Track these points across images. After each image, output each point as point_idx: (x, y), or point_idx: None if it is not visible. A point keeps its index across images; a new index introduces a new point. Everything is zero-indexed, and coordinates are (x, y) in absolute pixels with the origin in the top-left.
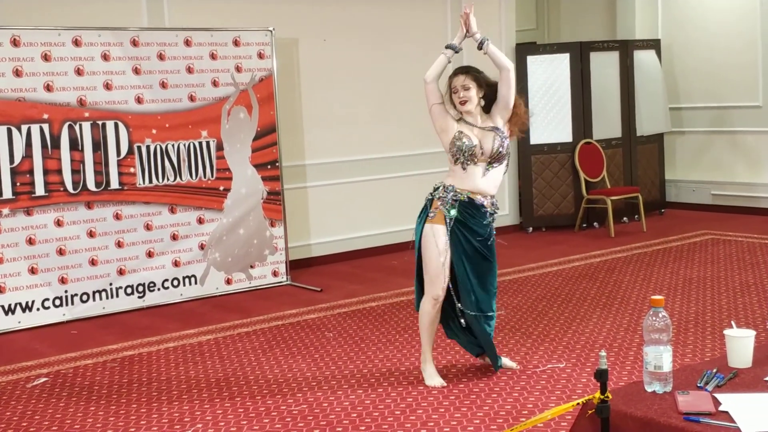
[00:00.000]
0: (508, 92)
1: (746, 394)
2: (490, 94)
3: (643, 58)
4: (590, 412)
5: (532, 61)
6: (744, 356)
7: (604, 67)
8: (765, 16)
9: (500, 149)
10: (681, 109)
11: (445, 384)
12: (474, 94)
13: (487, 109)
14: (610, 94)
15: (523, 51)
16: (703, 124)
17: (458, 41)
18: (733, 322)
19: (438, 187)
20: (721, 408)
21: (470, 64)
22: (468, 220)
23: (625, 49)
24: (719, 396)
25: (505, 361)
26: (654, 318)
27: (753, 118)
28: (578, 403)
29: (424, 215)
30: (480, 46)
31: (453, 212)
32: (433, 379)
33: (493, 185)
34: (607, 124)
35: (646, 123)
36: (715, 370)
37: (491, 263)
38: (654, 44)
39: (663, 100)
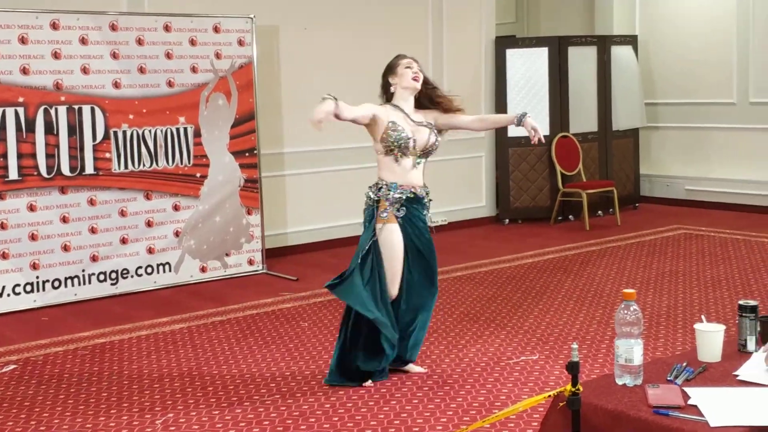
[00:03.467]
0: (458, 129)
1: (715, 388)
2: (424, 90)
3: (620, 53)
4: (561, 404)
5: (511, 55)
6: (713, 351)
7: (582, 61)
8: (740, 15)
9: (434, 144)
10: (657, 104)
11: (373, 384)
12: (422, 78)
13: (417, 104)
14: (587, 88)
15: (502, 44)
16: (678, 120)
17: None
18: (703, 317)
19: (381, 187)
20: (690, 402)
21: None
22: (412, 215)
23: (603, 44)
24: (688, 390)
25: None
26: (625, 311)
27: (727, 115)
28: (549, 396)
29: (371, 217)
30: (519, 122)
31: (402, 212)
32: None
33: (422, 176)
34: (583, 119)
35: (622, 118)
36: (684, 364)
37: (433, 258)
38: (631, 40)
39: (639, 95)
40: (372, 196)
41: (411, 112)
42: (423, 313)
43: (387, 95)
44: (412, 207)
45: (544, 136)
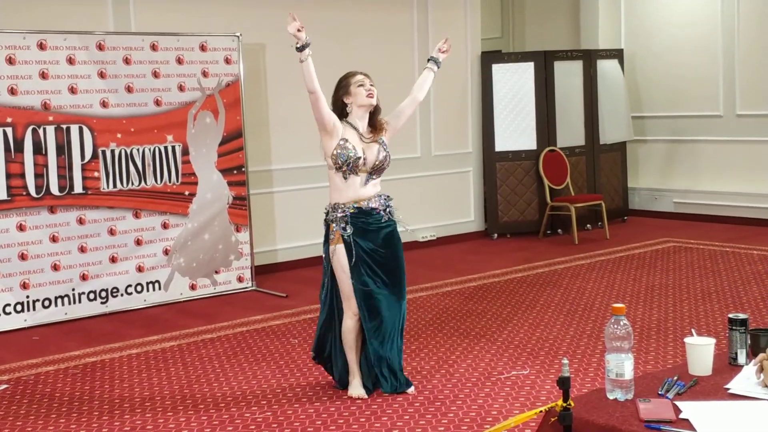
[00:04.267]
0: (410, 114)
1: (706, 402)
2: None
3: (606, 67)
4: (553, 419)
5: (497, 70)
6: (704, 364)
7: (568, 76)
8: (726, 29)
9: (383, 162)
10: (643, 118)
11: (366, 396)
12: (376, 92)
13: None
14: (574, 102)
15: (488, 59)
16: (664, 133)
17: None
18: (693, 330)
19: (327, 210)
20: (681, 416)
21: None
22: (364, 227)
23: (589, 58)
24: (680, 404)
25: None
26: (615, 326)
27: (714, 128)
28: (541, 411)
29: (326, 239)
30: (432, 59)
31: (349, 229)
32: (357, 389)
33: (376, 190)
34: (570, 132)
35: (609, 131)
36: (675, 378)
37: (397, 262)
38: (617, 54)
39: (625, 109)
40: (325, 219)
41: (364, 129)
42: (394, 331)
43: (341, 114)
44: (360, 222)
45: (531, 151)
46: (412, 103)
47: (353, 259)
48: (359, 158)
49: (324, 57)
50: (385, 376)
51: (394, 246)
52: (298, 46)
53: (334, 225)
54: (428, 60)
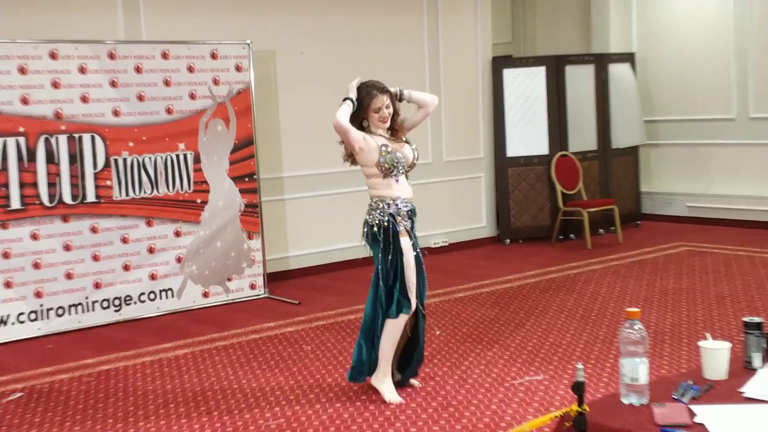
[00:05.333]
0: (421, 121)
1: (721, 405)
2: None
3: (618, 71)
4: (568, 424)
5: (508, 74)
6: (719, 368)
7: (580, 80)
8: (738, 31)
9: (416, 158)
10: (656, 121)
11: (402, 401)
12: (392, 112)
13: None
14: (586, 107)
15: (499, 64)
16: (677, 137)
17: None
18: (708, 335)
19: (388, 203)
20: (696, 420)
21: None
22: (413, 227)
23: (600, 62)
24: (695, 408)
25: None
26: (630, 330)
27: (727, 131)
28: (556, 416)
29: (386, 232)
30: (400, 98)
31: (409, 223)
32: (394, 395)
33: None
34: (582, 137)
35: (621, 135)
36: (690, 382)
37: (422, 265)
38: (629, 58)
39: (638, 112)
40: (379, 216)
41: (386, 134)
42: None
43: (357, 124)
44: (413, 220)
45: (543, 156)
46: (424, 114)
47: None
48: (403, 157)
49: (335, 60)
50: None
51: (419, 246)
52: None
53: (399, 218)
54: (400, 99)
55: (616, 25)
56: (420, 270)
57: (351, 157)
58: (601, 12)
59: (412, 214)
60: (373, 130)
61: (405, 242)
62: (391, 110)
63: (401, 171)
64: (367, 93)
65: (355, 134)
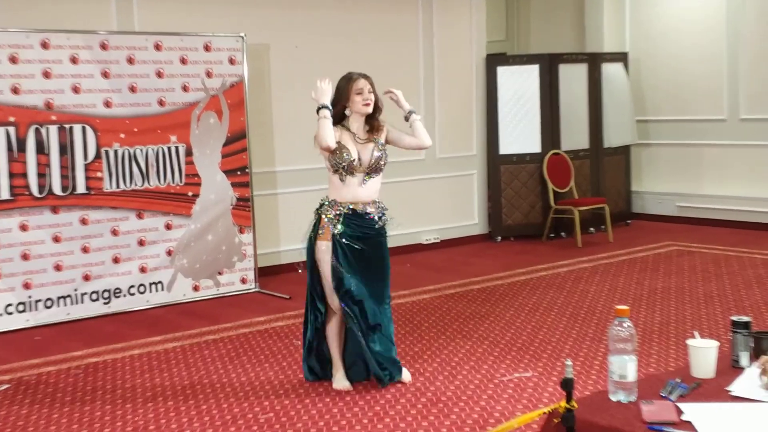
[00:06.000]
0: (407, 146)
1: (709, 404)
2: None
3: (611, 70)
4: (556, 421)
5: (502, 72)
6: (707, 366)
7: (573, 79)
8: (730, 32)
9: (379, 161)
10: (647, 121)
11: (351, 388)
12: (374, 99)
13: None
14: (579, 105)
15: (493, 62)
16: (669, 137)
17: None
18: (696, 333)
19: (323, 204)
20: (683, 417)
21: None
22: (355, 230)
23: (594, 61)
24: (682, 406)
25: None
26: (619, 328)
27: (718, 132)
28: (544, 412)
29: (314, 233)
30: (407, 118)
31: (339, 227)
32: (341, 382)
33: (373, 192)
34: (575, 136)
35: (614, 135)
36: (678, 380)
37: (383, 268)
38: (622, 57)
39: (630, 112)
40: (315, 214)
41: (359, 130)
42: (377, 332)
43: (341, 116)
44: (354, 223)
45: (536, 154)
46: (410, 144)
47: (338, 258)
48: (353, 160)
49: (329, 55)
50: (380, 370)
51: (381, 252)
52: (318, 105)
53: (326, 220)
54: (406, 119)
55: (609, 25)
56: (371, 266)
57: None
58: (594, 12)
59: (350, 218)
60: (352, 120)
61: (319, 245)
62: (373, 96)
63: (351, 173)
64: (347, 79)
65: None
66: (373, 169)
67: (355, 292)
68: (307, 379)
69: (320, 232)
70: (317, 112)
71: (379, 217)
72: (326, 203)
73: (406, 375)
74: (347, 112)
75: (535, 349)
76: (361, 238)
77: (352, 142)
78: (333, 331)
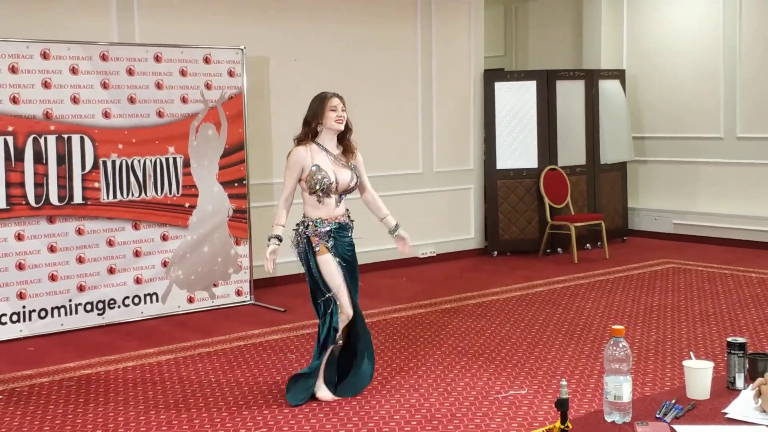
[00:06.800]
0: (361, 187)
1: (704, 426)
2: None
3: (608, 87)
4: None
5: (500, 88)
6: (702, 388)
7: (570, 95)
8: (727, 51)
9: (355, 184)
10: (644, 138)
11: (336, 397)
12: (346, 118)
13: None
14: (575, 122)
15: (490, 77)
16: (665, 154)
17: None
18: (692, 353)
19: (307, 224)
20: None
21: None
22: (339, 241)
23: (591, 78)
24: (677, 427)
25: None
26: (614, 348)
27: (714, 150)
28: None
29: (308, 251)
30: (394, 229)
31: (331, 242)
32: (323, 390)
33: (345, 208)
34: (571, 152)
35: (610, 151)
36: (673, 401)
37: (357, 276)
38: (619, 74)
39: (627, 129)
40: (299, 235)
41: (334, 149)
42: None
43: (311, 132)
44: (339, 235)
45: (533, 169)
46: (365, 192)
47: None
48: (332, 183)
49: (328, 68)
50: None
51: (354, 259)
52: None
53: (317, 238)
54: (396, 227)
55: (607, 42)
56: (351, 279)
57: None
58: (592, 29)
59: (335, 232)
60: (324, 136)
61: (323, 258)
62: (345, 115)
63: (328, 194)
64: (321, 98)
65: (293, 168)
66: (346, 192)
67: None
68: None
69: (316, 249)
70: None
71: (351, 226)
72: (311, 222)
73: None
74: (319, 128)
75: (530, 366)
76: (345, 249)
77: (330, 164)
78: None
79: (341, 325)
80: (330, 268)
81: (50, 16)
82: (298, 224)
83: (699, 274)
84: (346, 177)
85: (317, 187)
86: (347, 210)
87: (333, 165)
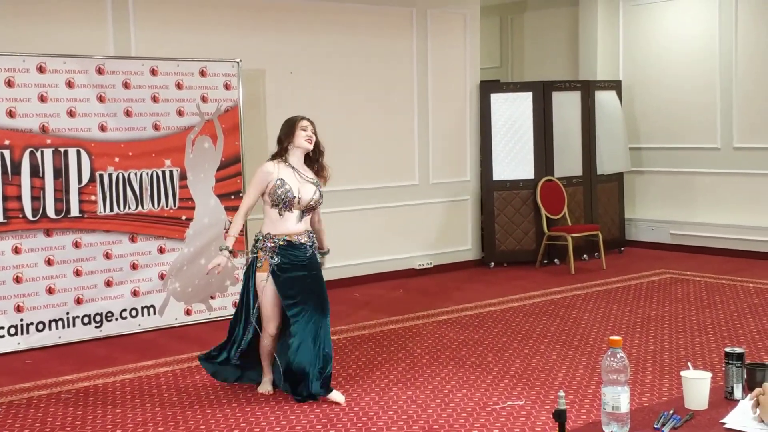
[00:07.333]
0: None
1: None
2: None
3: (604, 98)
4: None
5: (496, 99)
6: (700, 398)
7: (566, 106)
8: (723, 62)
9: (318, 201)
10: (641, 149)
11: (273, 391)
12: (316, 141)
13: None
14: (572, 132)
15: (487, 89)
16: (662, 165)
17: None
18: (690, 364)
19: (258, 239)
20: None
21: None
22: (291, 260)
23: (587, 89)
24: None
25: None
26: (612, 359)
27: (711, 160)
28: None
29: (253, 266)
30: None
31: (276, 259)
32: (266, 386)
33: (307, 225)
34: (568, 162)
35: (607, 162)
36: (671, 412)
37: (320, 282)
38: (615, 85)
39: (623, 139)
40: (252, 248)
41: (300, 167)
42: (318, 341)
43: (282, 150)
44: (289, 253)
45: (529, 180)
46: (315, 219)
47: (277, 287)
48: (294, 197)
49: (324, 81)
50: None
51: (315, 270)
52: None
53: (263, 253)
54: (326, 252)
55: (603, 52)
56: (307, 284)
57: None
58: (588, 40)
59: (282, 249)
60: (292, 154)
61: (259, 276)
62: (315, 137)
63: (289, 208)
64: (293, 120)
65: (259, 180)
66: (309, 209)
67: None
68: (201, 361)
69: (259, 264)
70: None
71: (311, 246)
72: (261, 237)
73: (335, 395)
74: (290, 147)
75: (528, 377)
76: (296, 266)
77: (294, 179)
78: (266, 350)
79: (266, 342)
80: (265, 289)
81: (46, 30)
82: (254, 236)
83: (696, 284)
84: (309, 193)
85: (280, 199)
86: (309, 232)
87: (298, 181)
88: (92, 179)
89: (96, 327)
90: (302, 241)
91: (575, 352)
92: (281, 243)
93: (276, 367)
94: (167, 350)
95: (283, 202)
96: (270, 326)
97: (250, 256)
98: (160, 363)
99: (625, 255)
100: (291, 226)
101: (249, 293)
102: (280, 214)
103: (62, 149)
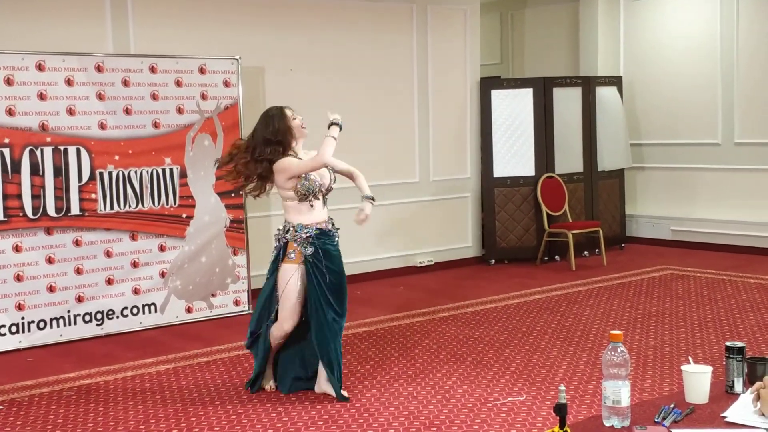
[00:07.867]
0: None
1: (702, 430)
2: None
3: (605, 94)
4: None
5: (496, 95)
6: (701, 392)
7: (567, 102)
8: (724, 57)
9: (333, 181)
10: (641, 145)
11: (274, 387)
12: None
13: None
14: (573, 129)
15: (487, 85)
16: (663, 161)
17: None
18: (690, 358)
19: (288, 229)
20: None
21: None
22: (325, 247)
23: (588, 85)
24: (676, 431)
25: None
26: (613, 353)
27: (712, 156)
28: None
29: (279, 257)
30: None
31: (310, 249)
32: (268, 382)
33: (328, 212)
34: (569, 159)
35: (607, 158)
36: (672, 406)
37: (344, 280)
38: (616, 81)
39: (624, 136)
40: (281, 239)
41: (304, 155)
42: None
43: (283, 147)
44: (320, 242)
45: (530, 177)
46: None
47: (312, 283)
48: (321, 184)
49: (324, 78)
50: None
51: (342, 265)
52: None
53: (295, 244)
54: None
55: (603, 48)
56: (335, 289)
57: (260, 189)
58: (589, 36)
59: (318, 238)
60: (296, 151)
61: (287, 268)
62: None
63: (317, 197)
64: (279, 114)
65: (295, 163)
66: (328, 191)
67: (311, 317)
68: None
69: (291, 256)
70: (330, 128)
71: (336, 230)
72: (291, 228)
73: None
74: (293, 143)
75: (528, 373)
76: (331, 257)
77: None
78: (276, 344)
79: (278, 338)
80: (291, 280)
81: (45, 28)
82: (278, 229)
83: (697, 280)
84: (326, 177)
85: (309, 190)
86: (330, 218)
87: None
88: (92, 177)
89: (97, 325)
90: (330, 227)
91: (576, 349)
92: (315, 232)
93: (278, 365)
94: (168, 348)
95: (312, 193)
96: (287, 324)
97: (280, 243)
98: (161, 361)
99: (626, 251)
100: (320, 214)
101: (271, 290)
102: (311, 205)
103: (62, 147)
